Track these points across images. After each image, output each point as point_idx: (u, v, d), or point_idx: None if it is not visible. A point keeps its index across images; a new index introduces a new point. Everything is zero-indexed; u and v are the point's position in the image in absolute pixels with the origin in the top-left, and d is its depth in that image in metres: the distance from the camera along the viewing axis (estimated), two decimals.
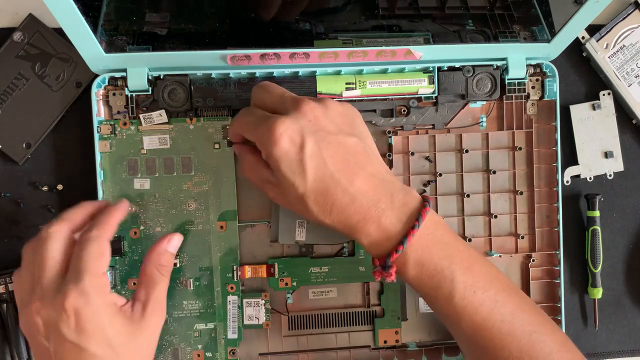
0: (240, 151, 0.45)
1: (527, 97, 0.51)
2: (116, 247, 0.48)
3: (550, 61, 0.51)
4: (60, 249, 0.39)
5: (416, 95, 0.50)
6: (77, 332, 0.37)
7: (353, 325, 0.51)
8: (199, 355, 0.49)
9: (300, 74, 0.48)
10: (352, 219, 0.40)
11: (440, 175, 0.51)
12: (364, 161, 0.41)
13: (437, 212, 0.51)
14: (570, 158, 0.54)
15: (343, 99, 0.49)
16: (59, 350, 0.37)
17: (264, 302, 0.50)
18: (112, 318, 0.38)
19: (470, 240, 0.51)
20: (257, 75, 0.48)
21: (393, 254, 0.40)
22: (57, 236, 0.39)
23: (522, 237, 0.52)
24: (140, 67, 0.47)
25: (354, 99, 0.49)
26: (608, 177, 0.55)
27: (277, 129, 0.39)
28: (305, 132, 0.39)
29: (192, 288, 0.49)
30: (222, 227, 0.49)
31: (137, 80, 0.47)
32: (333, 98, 0.49)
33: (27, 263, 0.40)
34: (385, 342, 0.51)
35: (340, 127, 0.41)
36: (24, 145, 0.49)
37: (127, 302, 0.40)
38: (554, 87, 0.51)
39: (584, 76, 0.55)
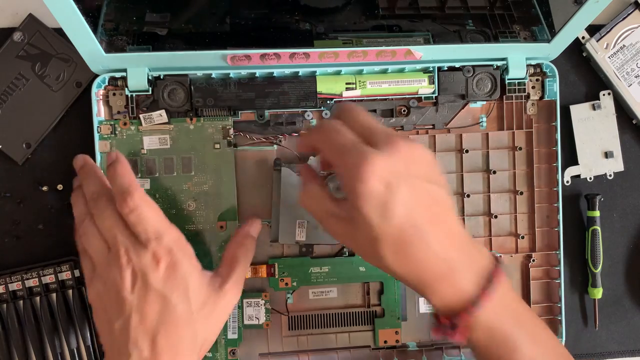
0: (306, 178, 0.42)
1: (527, 97, 0.51)
2: None
3: (550, 61, 0.51)
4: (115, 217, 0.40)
5: (416, 95, 0.50)
6: (164, 281, 0.39)
7: (353, 325, 0.51)
8: None
9: (300, 74, 0.48)
10: (426, 275, 0.37)
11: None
12: (446, 215, 0.38)
13: None
14: (570, 158, 0.54)
15: (343, 99, 0.49)
16: (143, 299, 0.38)
17: (264, 302, 0.50)
18: (196, 277, 0.40)
19: None
20: (257, 75, 0.48)
21: (464, 315, 0.37)
22: (108, 211, 0.41)
23: (522, 237, 0.52)
24: (140, 67, 0.47)
25: (354, 99, 0.49)
26: (608, 177, 0.55)
27: (370, 165, 0.35)
28: (398, 174, 0.36)
29: None
30: (222, 227, 0.49)
31: (137, 80, 0.47)
32: (333, 98, 0.49)
33: (90, 233, 0.41)
34: (385, 342, 0.51)
35: (429, 175, 0.38)
36: (24, 145, 0.49)
37: (211, 274, 0.42)
38: (554, 87, 0.51)
39: (584, 76, 0.55)
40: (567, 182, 0.54)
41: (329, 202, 0.40)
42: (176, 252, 0.40)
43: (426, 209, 0.37)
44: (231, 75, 0.48)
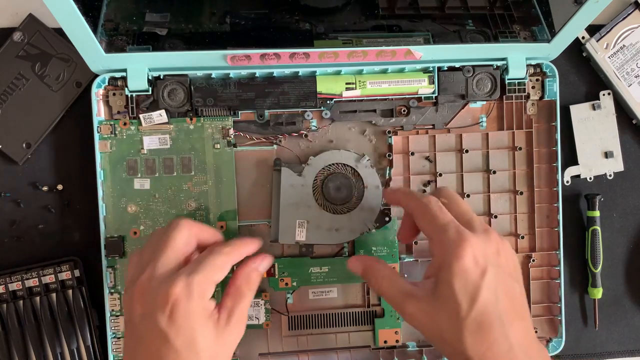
0: (376, 265, 0.43)
1: (527, 97, 0.51)
2: (116, 247, 0.48)
3: (550, 61, 0.51)
4: (186, 242, 0.41)
5: (416, 95, 0.50)
6: (169, 323, 0.37)
7: (353, 325, 0.51)
8: None
9: (300, 74, 0.48)
10: None
11: (441, 175, 0.51)
12: (523, 312, 0.39)
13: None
14: (570, 158, 0.54)
15: (343, 98, 0.49)
16: (147, 335, 0.38)
17: (264, 302, 0.50)
18: (204, 322, 0.39)
19: None
20: (257, 75, 0.48)
21: None
22: (188, 230, 0.41)
23: (522, 237, 0.52)
24: (140, 67, 0.47)
25: (354, 99, 0.49)
26: (608, 177, 0.55)
27: (469, 245, 0.38)
28: (490, 260, 0.38)
29: None
30: (222, 227, 0.49)
31: (137, 80, 0.47)
32: (333, 98, 0.49)
33: (151, 243, 0.42)
34: (385, 342, 0.51)
35: (514, 272, 0.40)
36: (24, 145, 0.49)
37: (215, 308, 0.41)
38: (554, 87, 0.51)
39: (584, 76, 0.55)
40: (567, 182, 0.54)
41: (404, 282, 0.41)
42: (195, 294, 0.38)
43: (509, 301, 0.38)
44: (231, 75, 0.48)
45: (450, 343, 0.38)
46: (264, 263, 0.45)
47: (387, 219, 0.50)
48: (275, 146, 0.50)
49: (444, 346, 0.39)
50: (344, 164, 0.49)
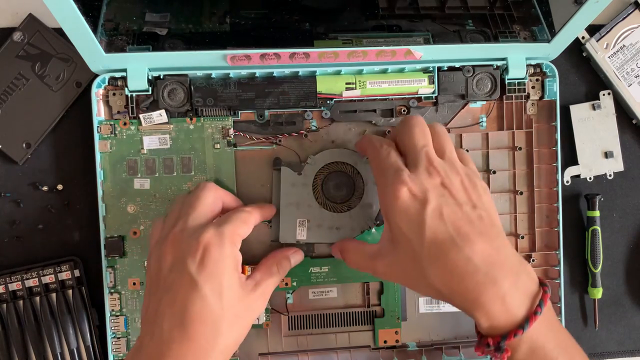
0: (345, 243, 0.46)
1: (527, 97, 0.51)
2: (116, 247, 0.48)
3: (550, 61, 0.51)
4: (213, 201, 0.43)
5: (416, 95, 0.50)
6: (199, 269, 0.38)
7: (353, 325, 0.51)
8: None
9: (300, 74, 0.48)
10: (472, 292, 0.38)
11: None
12: (488, 231, 0.39)
13: None
14: (570, 158, 0.54)
15: (343, 98, 0.49)
16: (177, 282, 0.39)
17: None
18: (232, 272, 0.40)
19: None
20: (257, 75, 0.48)
21: (510, 336, 0.37)
22: (214, 192, 0.44)
23: (522, 237, 0.52)
24: (140, 67, 0.47)
25: (354, 98, 0.49)
26: (608, 177, 0.55)
27: (402, 184, 0.39)
28: (430, 190, 0.39)
29: None
30: None
31: (137, 80, 0.47)
32: (333, 98, 0.49)
33: (177, 207, 0.43)
34: (385, 342, 0.51)
35: (469, 198, 0.40)
36: (24, 145, 0.49)
37: (244, 274, 0.42)
38: (554, 87, 0.51)
39: (584, 76, 0.55)
40: (567, 182, 0.54)
41: (369, 246, 0.43)
42: (226, 241, 0.40)
43: (462, 223, 0.39)
44: (231, 75, 0.48)
45: (419, 281, 0.39)
46: (297, 255, 0.47)
47: None
48: (275, 146, 0.50)
49: (417, 288, 0.40)
50: (343, 162, 0.49)
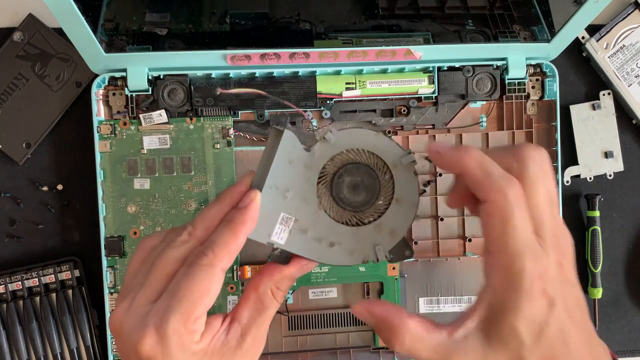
0: (395, 322, 0.32)
1: (527, 97, 0.51)
2: (116, 247, 0.48)
3: (550, 61, 0.51)
4: (173, 269, 0.31)
5: (416, 95, 0.50)
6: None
7: (353, 325, 0.51)
8: None
9: (300, 74, 0.48)
10: None
11: (440, 175, 0.51)
12: (585, 320, 0.32)
13: (437, 212, 0.51)
14: (570, 158, 0.54)
15: (343, 98, 0.49)
16: None
17: None
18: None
19: (470, 240, 0.51)
20: (257, 75, 0.48)
21: None
22: (178, 250, 0.31)
23: None
24: (140, 67, 0.47)
25: (354, 98, 0.49)
26: (608, 177, 0.55)
27: (539, 280, 0.30)
28: (557, 282, 0.30)
29: None
30: None
31: (137, 80, 0.47)
32: (333, 98, 0.49)
33: (136, 262, 0.33)
34: None
35: (573, 271, 0.32)
36: (24, 145, 0.49)
37: (222, 324, 0.32)
38: (554, 87, 0.51)
39: (584, 76, 0.55)
40: (567, 182, 0.54)
41: (439, 335, 0.31)
42: (172, 348, 0.29)
43: (573, 320, 0.31)
44: (231, 75, 0.48)
45: None
46: (305, 269, 0.35)
47: (407, 252, 0.35)
48: None
49: None
50: (375, 155, 0.34)
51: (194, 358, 0.30)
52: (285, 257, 0.34)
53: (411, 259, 0.50)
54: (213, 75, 0.48)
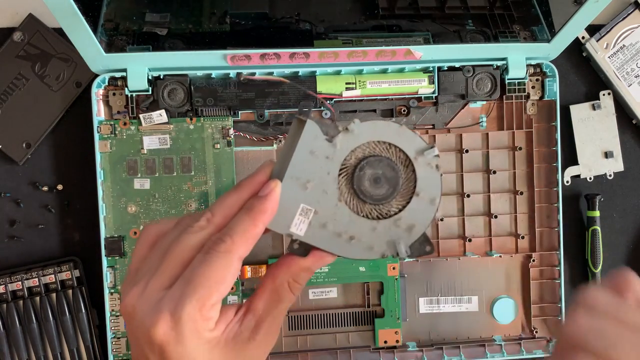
0: None
1: (527, 97, 0.51)
2: (116, 247, 0.48)
3: (550, 61, 0.51)
4: (189, 255, 0.30)
5: (416, 95, 0.50)
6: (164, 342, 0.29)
7: (353, 325, 0.51)
8: None
9: (300, 74, 0.48)
10: None
11: (441, 175, 0.51)
12: None
13: (436, 212, 0.51)
14: (570, 158, 0.54)
15: (343, 98, 0.49)
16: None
17: None
18: (208, 356, 0.30)
19: (470, 240, 0.51)
20: (257, 75, 0.48)
21: None
22: (196, 237, 0.30)
23: (522, 237, 0.52)
24: (140, 67, 0.47)
25: (354, 98, 0.49)
26: (608, 177, 0.55)
27: None
28: None
29: None
30: None
31: (137, 80, 0.47)
32: (333, 98, 0.49)
33: (144, 248, 0.32)
34: (385, 342, 0.51)
35: None
36: (24, 145, 0.49)
37: (237, 314, 0.31)
38: (554, 87, 0.51)
39: (584, 76, 0.55)
40: (567, 182, 0.54)
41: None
42: (186, 335, 0.29)
43: None
44: (231, 75, 0.48)
45: None
46: (323, 261, 0.34)
47: (427, 248, 0.35)
48: (275, 146, 0.50)
49: None
50: (398, 148, 0.34)
51: (206, 346, 0.29)
52: (304, 250, 0.34)
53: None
54: (213, 75, 0.48)
